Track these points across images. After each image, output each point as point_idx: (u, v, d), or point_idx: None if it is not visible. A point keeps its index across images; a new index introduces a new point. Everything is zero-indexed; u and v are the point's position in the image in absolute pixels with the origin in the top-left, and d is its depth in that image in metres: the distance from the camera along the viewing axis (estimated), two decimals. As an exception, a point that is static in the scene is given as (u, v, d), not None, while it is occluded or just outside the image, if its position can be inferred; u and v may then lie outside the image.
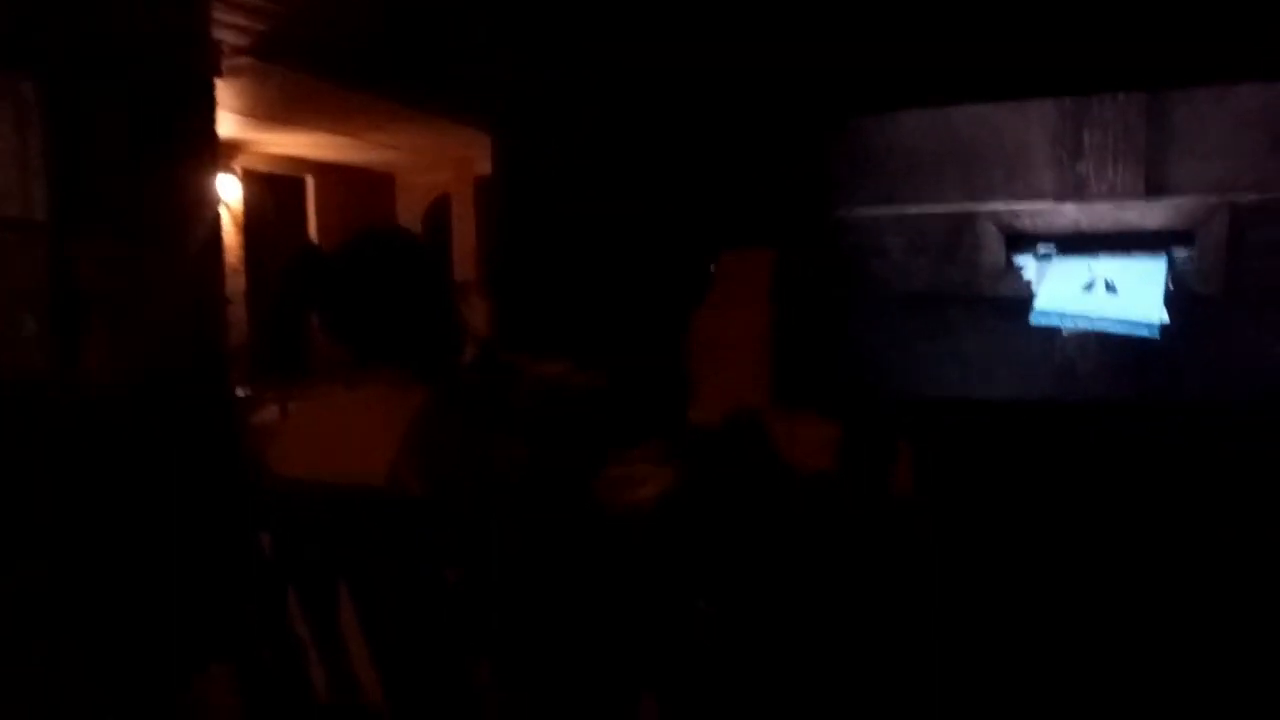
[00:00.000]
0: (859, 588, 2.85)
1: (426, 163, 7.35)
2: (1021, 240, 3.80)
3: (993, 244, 3.84)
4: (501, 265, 4.57)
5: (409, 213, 7.68)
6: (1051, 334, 3.75)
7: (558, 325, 4.06)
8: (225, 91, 4.62)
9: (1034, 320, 3.73)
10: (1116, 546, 3.39)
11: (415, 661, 1.37)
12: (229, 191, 6.34)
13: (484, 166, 5.78)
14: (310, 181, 7.55)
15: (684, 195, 4.07)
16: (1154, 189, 3.67)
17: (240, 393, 4.07)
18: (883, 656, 2.77)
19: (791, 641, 2.52)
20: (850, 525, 3.13)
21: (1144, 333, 3.61)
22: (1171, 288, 3.62)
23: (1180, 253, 3.63)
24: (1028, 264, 3.79)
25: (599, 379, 3.00)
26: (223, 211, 5.70)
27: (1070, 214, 3.76)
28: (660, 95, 4.13)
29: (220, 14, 3.89)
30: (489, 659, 1.39)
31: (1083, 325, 3.69)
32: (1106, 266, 3.68)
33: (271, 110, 5.63)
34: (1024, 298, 3.77)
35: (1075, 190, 3.76)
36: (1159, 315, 3.59)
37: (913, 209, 3.94)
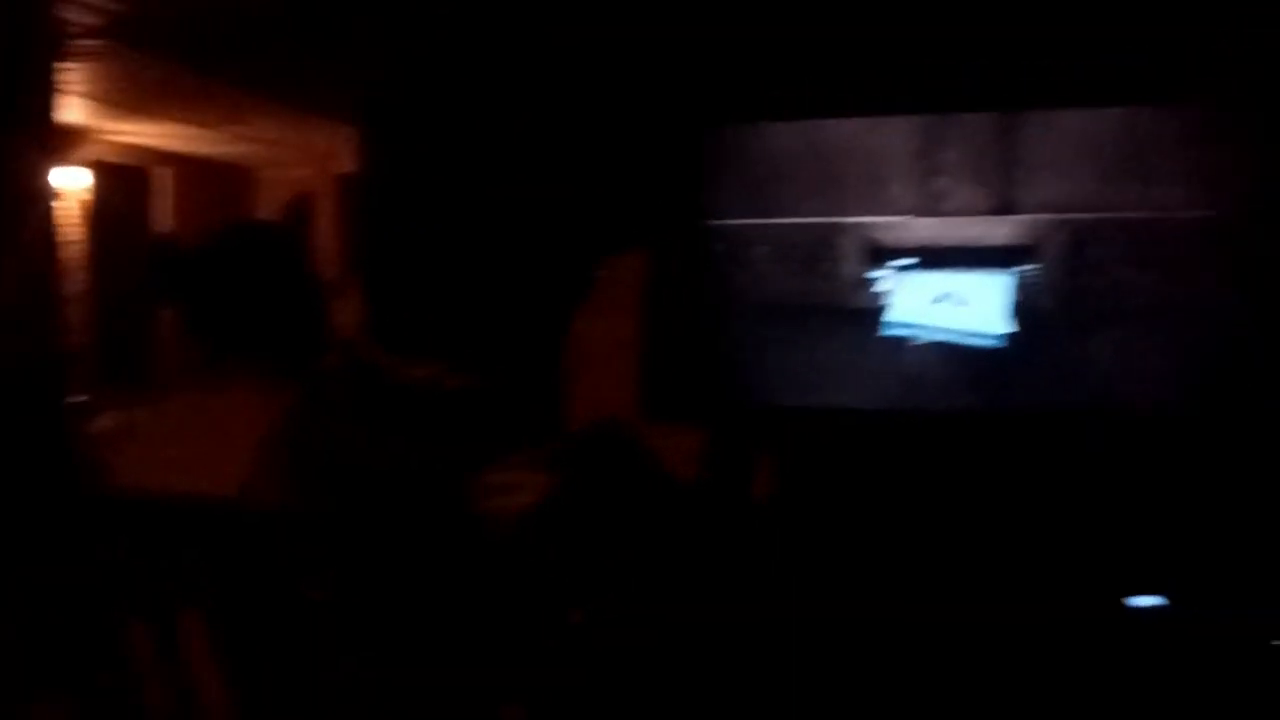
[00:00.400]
0: (721, 596, 2.89)
1: (288, 157, 7.12)
2: (879, 253, 3.95)
3: (852, 257, 3.98)
4: (372, 264, 4.46)
5: (268, 209, 7.41)
6: (905, 344, 3.91)
7: (431, 327, 3.99)
8: (74, 75, 4.36)
9: (887, 331, 3.88)
10: (962, 548, 3.56)
11: (274, 685, 1.32)
12: (76, 183, 5.98)
13: (349, 163, 5.63)
14: (164, 174, 7.20)
15: (563, 196, 4.07)
16: (1002, 207, 3.88)
17: (79, 398, 3.84)
18: (744, 664, 2.83)
19: (663, 652, 2.55)
20: (715, 535, 3.19)
21: (988, 344, 3.80)
22: (1016, 301, 3.82)
23: (1025, 268, 3.84)
24: (884, 276, 3.94)
25: (473, 382, 2.96)
26: (70, 204, 5.37)
27: (925, 229, 3.93)
28: (537, 92, 4.11)
29: (67, -8, 3.66)
30: (354, 670, 1.35)
31: (933, 336, 3.86)
32: (957, 280, 3.86)
33: (124, 97, 5.35)
34: (879, 309, 3.92)
35: (931, 206, 3.93)
36: (1003, 327, 3.80)
37: (779, 220, 4.04)
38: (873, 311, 3.92)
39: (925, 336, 3.88)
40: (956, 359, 3.88)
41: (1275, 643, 2.92)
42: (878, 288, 3.94)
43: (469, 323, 3.88)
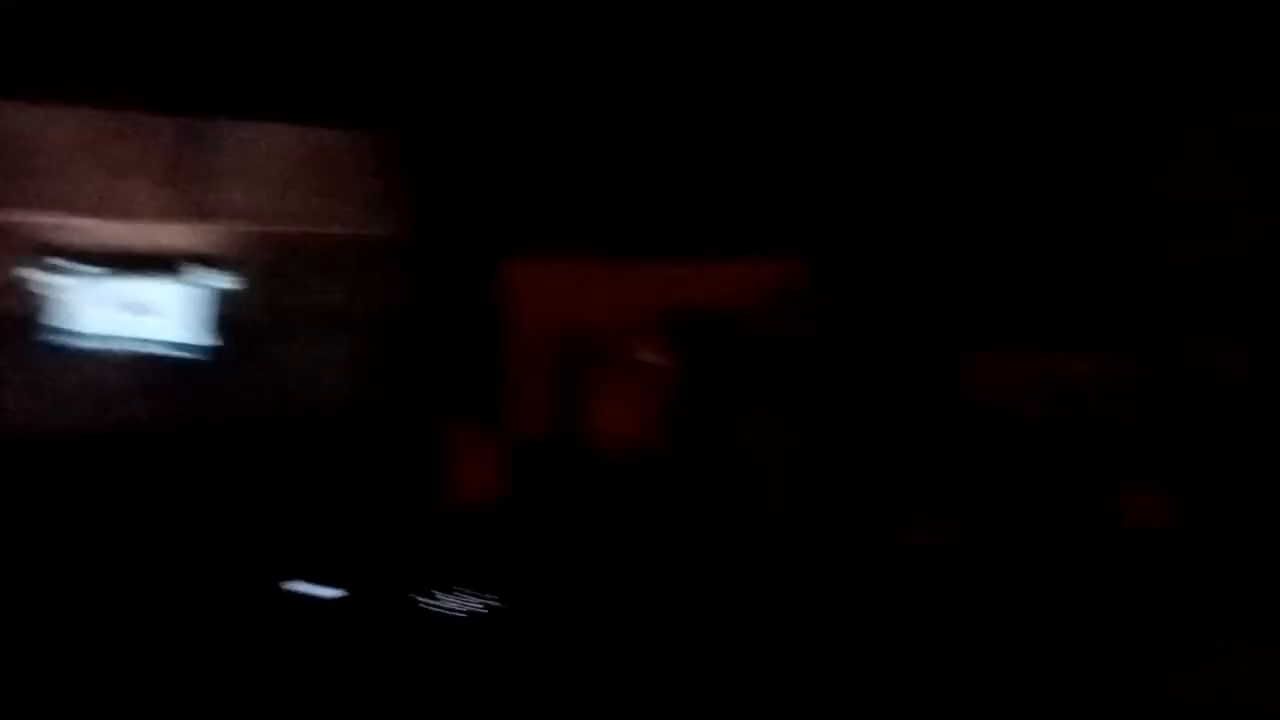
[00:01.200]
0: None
1: None
2: (54, 256, 3.58)
3: (19, 259, 3.53)
4: None
5: None
6: (92, 357, 3.62)
7: None
8: None
9: (69, 342, 3.56)
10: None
11: None
12: None
13: None
14: None
15: None
16: (200, 213, 3.80)
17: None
18: None
19: None
20: None
21: (186, 354, 3.71)
22: (219, 311, 3.78)
23: (224, 277, 3.81)
24: (61, 282, 3.59)
25: None
26: None
27: (110, 232, 3.68)
28: None
29: None
30: None
31: (123, 347, 3.64)
32: (149, 288, 3.69)
33: None
34: (58, 318, 3.56)
35: (117, 208, 3.70)
36: (201, 337, 3.73)
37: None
38: (51, 321, 3.55)
39: (114, 348, 3.63)
40: (153, 372, 3.70)
41: (425, 606, 3.34)
42: (56, 294, 3.57)
43: None
